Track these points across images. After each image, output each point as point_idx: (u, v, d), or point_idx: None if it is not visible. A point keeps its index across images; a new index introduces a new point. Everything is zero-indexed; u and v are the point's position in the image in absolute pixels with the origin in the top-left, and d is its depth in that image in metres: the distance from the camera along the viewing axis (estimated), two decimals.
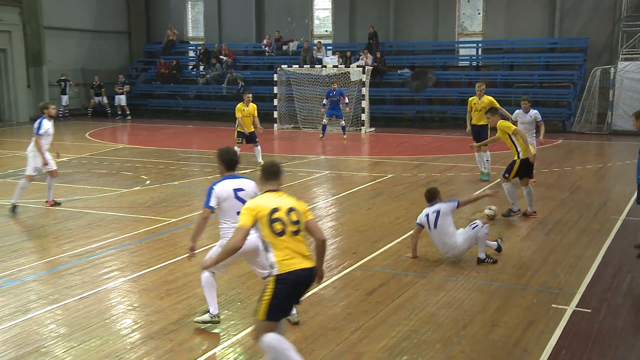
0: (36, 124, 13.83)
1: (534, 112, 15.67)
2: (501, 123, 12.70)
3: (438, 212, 10.06)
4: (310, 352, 7.01)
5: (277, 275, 5.95)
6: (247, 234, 6.06)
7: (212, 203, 7.68)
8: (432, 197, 10.31)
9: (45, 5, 32.56)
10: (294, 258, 6.00)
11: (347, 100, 25.59)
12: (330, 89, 25.58)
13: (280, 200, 6.24)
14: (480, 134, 16.19)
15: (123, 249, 11.02)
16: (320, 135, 25.47)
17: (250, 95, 19.02)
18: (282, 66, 29.37)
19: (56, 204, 14.15)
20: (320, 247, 6.36)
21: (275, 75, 29.02)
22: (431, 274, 9.61)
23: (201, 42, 36.72)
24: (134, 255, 10.78)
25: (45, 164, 13.88)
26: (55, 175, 14.15)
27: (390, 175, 17.13)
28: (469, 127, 16.77)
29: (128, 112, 33.50)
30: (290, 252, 6.01)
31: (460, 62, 32.94)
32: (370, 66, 29.18)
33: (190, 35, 38.51)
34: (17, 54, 31.42)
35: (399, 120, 30.99)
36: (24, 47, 31.80)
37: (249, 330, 7.64)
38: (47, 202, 14.11)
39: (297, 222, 6.16)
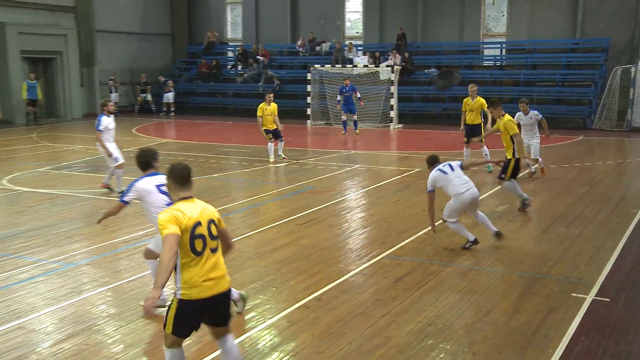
0: (97, 121, 14.29)
1: (533, 113, 15.35)
2: (508, 120, 12.44)
3: (449, 163, 10.14)
4: (342, 335, 7.02)
5: (183, 299, 5.14)
6: (177, 241, 5.03)
7: (127, 198, 7.74)
8: (434, 160, 10.30)
9: (97, 11, 32.94)
10: (208, 282, 5.16)
11: (359, 95, 25.49)
12: (342, 85, 25.58)
13: (200, 212, 5.31)
14: (474, 132, 16.39)
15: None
16: (343, 132, 25.43)
17: (272, 95, 19.21)
18: (315, 66, 29.35)
19: (110, 190, 14.41)
20: (229, 251, 5.69)
21: (308, 75, 29.01)
22: (455, 263, 9.56)
23: (239, 44, 36.81)
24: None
25: (110, 155, 14.15)
26: (121, 168, 14.41)
27: (417, 169, 17.03)
28: (462, 127, 16.80)
29: (172, 109, 33.74)
30: (205, 274, 5.14)
31: (484, 62, 32.63)
32: (399, 66, 29.07)
33: (229, 37, 38.62)
34: (72, 55, 31.83)
35: (426, 117, 30.78)
36: (77, 49, 32.20)
37: (283, 314, 7.68)
38: (103, 184, 14.60)
39: (216, 237, 5.32)
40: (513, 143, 12.29)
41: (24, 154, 21.04)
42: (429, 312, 7.68)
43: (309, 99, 28.78)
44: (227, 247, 5.62)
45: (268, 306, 8.01)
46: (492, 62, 32.28)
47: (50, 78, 31.85)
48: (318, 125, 28.85)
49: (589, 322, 7.36)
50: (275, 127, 18.74)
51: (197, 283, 5.10)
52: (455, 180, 9.98)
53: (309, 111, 28.81)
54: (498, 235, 10.32)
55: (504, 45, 32.17)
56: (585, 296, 8.12)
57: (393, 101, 27.38)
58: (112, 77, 33.55)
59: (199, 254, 5.12)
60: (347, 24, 35.76)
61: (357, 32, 35.55)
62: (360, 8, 35.05)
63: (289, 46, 35.82)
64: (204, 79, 35.26)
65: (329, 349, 6.72)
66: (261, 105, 18.86)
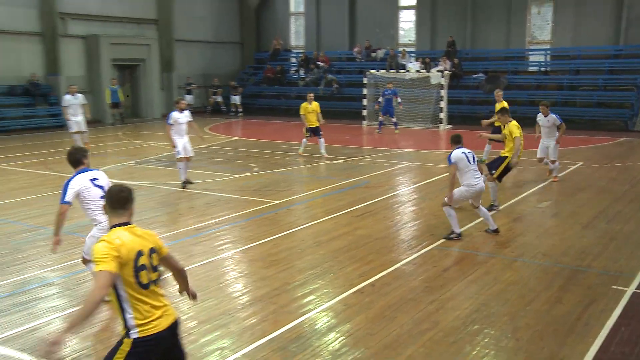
0: (168, 116, 14.76)
1: (552, 117, 14.73)
2: (513, 125, 12.01)
3: (472, 154, 10.07)
4: (393, 319, 6.96)
5: (139, 338, 4.21)
6: (112, 280, 4.11)
7: (68, 198, 7.25)
8: (459, 139, 10.17)
9: (176, 22, 33.49)
10: (158, 316, 4.29)
11: (399, 100, 25.31)
12: (386, 88, 25.47)
13: (141, 240, 4.36)
14: (496, 132, 16.00)
15: (235, 225, 11.22)
16: (377, 130, 25.37)
17: (312, 95, 19.55)
18: (371, 71, 29.15)
19: (188, 183, 14.61)
20: (183, 274, 4.91)
21: (364, 79, 28.87)
22: (500, 255, 9.38)
23: (302, 51, 36.91)
24: (244, 231, 10.96)
25: (174, 147, 14.41)
26: (188, 161, 14.66)
27: None
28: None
29: (240, 110, 34.05)
30: (152, 308, 4.27)
31: (530, 68, 31.92)
32: (449, 71, 28.69)
33: (292, 44, 38.73)
34: (154, 62, 32.45)
35: (474, 118, 30.14)
36: (159, 56, 32.80)
37: (339, 298, 7.66)
38: (184, 181, 14.59)
39: (157, 268, 4.43)
40: (513, 142, 11.91)
41: (112, 150, 21.55)
42: (474, 299, 7.56)
43: (364, 101, 28.64)
44: (177, 272, 4.82)
45: (326, 290, 8.00)
46: (537, 68, 31.58)
47: (135, 82, 32.56)
48: (373, 126, 28.68)
49: (630, 313, 7.12)
50: (317, 125, 19.03)
51: (152, 317, 4.25)
52: (472, 172, 9.95)
53: (364, 112, 28.68)
54: (496, 231, 10.28)
55: (548, 52, 31.40)
56: (625, 289, 7.86)
57: (443, 104, 27.04)
58: (188, 82, 34.07)
59: (146, 286, 4.26)
60: (401, 32, 35.43)
61: (410, 40, 35.20)
62: (413, 18, 34.69)
63: (347, 53, 35.71)
64: (269, 83, 35.48)
65: (381, 331, 6.68)
66: (303, 104, 19.20)
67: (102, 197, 6.84)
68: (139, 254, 4.26)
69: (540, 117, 14.82)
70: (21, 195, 13.77)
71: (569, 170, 16.21)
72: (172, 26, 33.45)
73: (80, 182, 7.36)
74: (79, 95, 19.96)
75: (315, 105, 19.02)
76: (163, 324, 4.30)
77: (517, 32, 31.60)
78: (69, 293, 8.01)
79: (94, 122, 28.61)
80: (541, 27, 31.86)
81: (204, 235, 10.48)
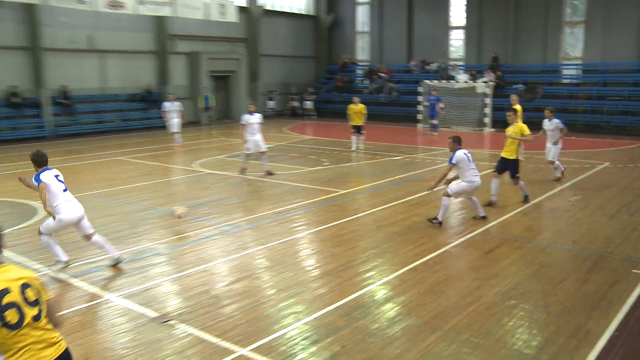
0: (241, 118, 15.20)
1: (555, 121, 13.91)
2: (523, 125, 11.51)
3: (470, 154, 9.96)
4: (441, 293, 6.90)
5: None
6: None
7: (42, 179, 7.24)
8: (460, 141, 9.98)
9: (262, 41, 33.91)
10: (42, 345, 3.28)
11: (442, 105, 24.78)
12: (431, 94, 25.06)
13: (7, 277, 3.25)
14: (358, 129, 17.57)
15: (307, 211, 11.30)
16: (430, 132, 24.94)
17: (357, 98, 19.69)
18: (425, 81, 28.73)
19: (270, 173, 14.85)
20: (56, 328, 3.48)
21: (419, 88, 28.48)
22: (535, 241, 9.13)
23: (367, 63, 36.70)
24: (315, 215, 11.03)
25: (245, 142, 14.85)
26: (262, 154, 14.98)
27: None
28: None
29: (314, 114, 34.15)
30: (32, 350, 3.24)
31: (563, 80, 30.71)
32: (493, 82, 27.94)
33: (359, 58, 38.54)
34: (242, 73, 32.90)
35: None
36: (246, 69, 33.28)
37: (396, 274, 7.64)
38: (265, 172, 14.97)
39: (36, 302, 3.31)
40: (519, 143, 11.39)
41: (207, 146, 22.03)
42: (512, 278, 7.40)
43: (419, 107, 28.24)
44: (53, 324, 3.45)
45: (384, 267, 7.99)
46: (570, 80, 30.36)
47: (227, 90, 33.12)
48: (426, 128, 28.31)
49: None
50: (359, 124, 19.21)
51: (34, 357, 3.25)
52: (472, 170, 9.83)
53: (419, 116, 28.29)
54: (484, 218, 10.18)
55: (579, 66, 30.13)
56: None
57: (487, 110, 26.41)
58: (270, 90, 34.46)
59: (15, 326, 3.21)
60: (451, 48, 34.66)
61: (459, 55, 34.39)
62: (462, 36, 33.92)
63: (404, 65, 35.28)
64: (339, 91, 35.39)
65: (431, 303, 6.63)
66: (350, 105, 19.47)
67: (64, 190, 7.48)
68: (4, 292, 3.20)
69: (545, 121, 14.28)
70: (137, 182, 14.28)
71: (597, 169, 15.59)
72: (259, 43, 33.89)
73: (47, 176, 7.39)
74: (176, 102, 20.49)
75: (360, 107, 19.14)
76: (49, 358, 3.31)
77: (552, 49, 30.50)
78: (174, 262, 8.27)
79: (192, 123, 29.35)
80: (573, 45, 30.62)
81: (281, 218, 10.60)
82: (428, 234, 9.52)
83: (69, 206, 7.49)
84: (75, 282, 7.42)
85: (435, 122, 24.99)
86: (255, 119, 14.88)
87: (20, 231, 9.79)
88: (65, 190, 7.53)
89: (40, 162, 7.46)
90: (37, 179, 7.29)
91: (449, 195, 9.90)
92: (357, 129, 19.37)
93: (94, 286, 7.26)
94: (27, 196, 12.12)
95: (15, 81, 23.59)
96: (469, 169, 9.83)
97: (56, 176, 7.50)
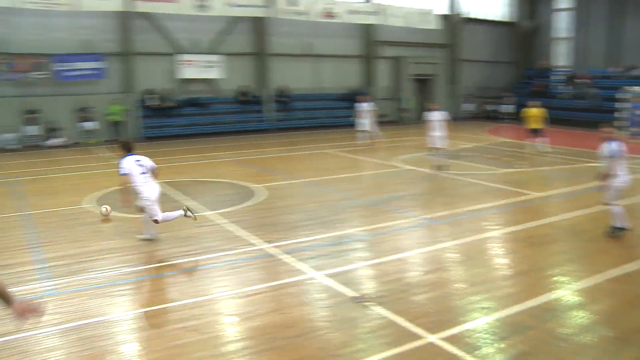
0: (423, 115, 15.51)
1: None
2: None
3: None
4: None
5: None
6: None
7: (123, 172, 7.90)
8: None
9: (463, 46, 33.30)
10: None
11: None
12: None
13: None
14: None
15: (500, 211, 10.82)
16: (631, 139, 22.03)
17: (533, 103, 18.72)
18: (625, 87, 25.60)
19: (439, 168, 14.86)
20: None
21: (620, 94, 25.38)
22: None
23: (564, 69, 33.99)
24: (507, 215, 10.55)
25: (430, 137, 15.18)
26: (438, 151, 15.14)
27: None
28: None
29: (511, 117, 32.41)
30: None
31: None
32: None
33: (556, 63, 35.69)
34: (442, 77, 32.73)
35: None
36: (446, 72, 32.94)
37: (589, 281, 7.00)
38: (435, 165, 15.05)
39: None
40: None
41: (408, 143, 22.18)
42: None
43: (618, 114, 25.14)
44: None
45: (578, 273, 7.36)
46: None
47: (428, 92, 33.02)
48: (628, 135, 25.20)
49: None
50: (536, 127, 18.19)
51: None
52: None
53: (616, 123, 25.18)
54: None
55: None
56: None
57: None
58: (468, 93, 33.59)
59: None
60: None
61: None
62: None
63: (603, 72, 31.82)
64: (536, 96, 33.09)
65: (630, 316, 5.99)
66: (524, 109, 18.90)
67: (142, 173, 8.03)
68: None
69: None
70: (342, 173, 15.00)
71: None
72: (459, 49, 33.28)
73: (129, 161, 8.06)
74: (367, 104, 20.82)
75: (535, 111, 18.31)
76: None
77: None
78: (373, 248, 8.54)
79: (393, 122, 29.88)
80: None
81: (475, 217, 10.32)
82: (628, 243, 8.55)
83: (147, 187, 8.22)
84: (285, 257, 8.06)
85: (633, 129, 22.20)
86: (436, 116, 14.89)
87: (243, 209, 10.94)
88: (143, 173, 8.24)
89: (127, 149, 8.33)
90: (120, 165, 8.13)
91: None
92: (535, 132, 18.45)
93: (301, 262, 7.81)
94: (247, 180, 13.49)
95: (244, 82, 26.82)
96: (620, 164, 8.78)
97: (137, 161, 8.18)
